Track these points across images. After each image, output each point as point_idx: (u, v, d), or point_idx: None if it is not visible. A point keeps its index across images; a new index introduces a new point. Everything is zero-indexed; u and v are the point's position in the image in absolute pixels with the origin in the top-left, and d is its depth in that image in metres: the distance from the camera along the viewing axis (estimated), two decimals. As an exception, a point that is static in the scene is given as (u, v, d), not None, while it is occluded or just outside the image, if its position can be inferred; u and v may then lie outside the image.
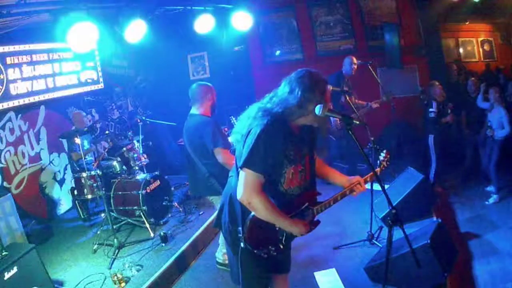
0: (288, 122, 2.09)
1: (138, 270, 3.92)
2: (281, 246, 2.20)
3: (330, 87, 2.11)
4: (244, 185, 2.04)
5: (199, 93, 3.49)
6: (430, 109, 5.41)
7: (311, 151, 2.27)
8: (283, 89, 2.12)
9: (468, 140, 5.76)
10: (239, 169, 2.08)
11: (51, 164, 5.88)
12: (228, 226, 2.24)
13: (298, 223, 2.13)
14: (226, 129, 4.86)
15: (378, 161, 2.49)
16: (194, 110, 3.52)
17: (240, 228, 2.14)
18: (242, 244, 2.15)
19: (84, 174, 4.97)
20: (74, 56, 6.04)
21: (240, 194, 2.06)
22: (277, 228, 2.16)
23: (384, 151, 2.50)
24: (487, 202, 4.90)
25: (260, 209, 2.03)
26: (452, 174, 5.81)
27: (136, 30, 4.58)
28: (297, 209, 2.21)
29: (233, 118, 4.78)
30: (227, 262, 3.60)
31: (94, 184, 4.84)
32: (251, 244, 2.13)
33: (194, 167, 3.58)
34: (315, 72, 2.10)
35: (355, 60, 5.66)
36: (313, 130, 2.26)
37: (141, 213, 4.75)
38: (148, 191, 4.83)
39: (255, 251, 2.15)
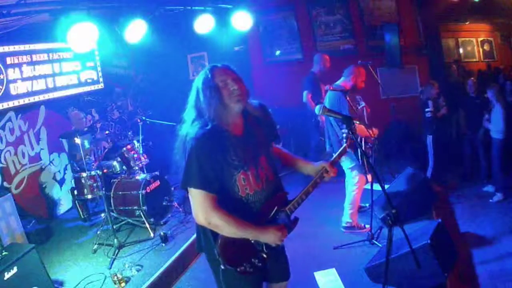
0: (222, 126, 1.92)
1: (138, 270, 3.92)
2: (265, 256, 2.02)
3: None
4: (196, 206, 1.89)
5: (347, 70, 4.25)
6: (427, 109, 5.45)
7: (265, 149, 2.09)
8: (192, 94, 2.00)
9: (467, 140, 5.76)
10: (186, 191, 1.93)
11: (51, 164, 5.87)
12: (206, 250, 2.07)
13: (268, 229, 1.94)
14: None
15: (344, 135, 2.29)
16: (338, 82, 4.24)
17: (215, 250, 1.94)
18: (222, 266, 1.95)
19: (84, 174, 4.97)
20: (74, 56, 6.04)
21: (196, 216, 1.90)
22: (252, 241, 1.98)
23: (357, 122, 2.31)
24: (491, 200, 4.92)
25: (222, 225, 1.86)
26: (451, 174, 5.81)
27: (136, 30, 4.59)
28: (267, 217, 2.04)
29: None
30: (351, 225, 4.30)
31: (94, 184, 4.84)
32: (231, 264, 1.95)
33: (333, 130, 4.17)
34: (210, 66, 2.00)
35: (327, 56, 5.81)
36: (262, 127, 2.09)
37: (141, 213, 4.75)
38: (148, 191, 4.83)
39: (238, 270, 1.95)
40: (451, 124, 6.17)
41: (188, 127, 1.96)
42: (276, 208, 2.06)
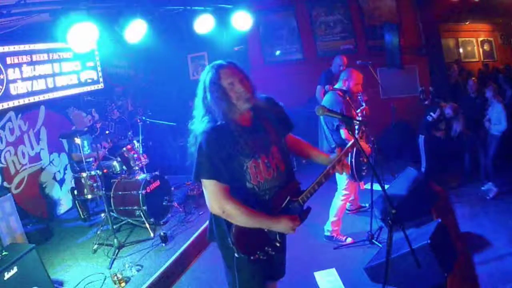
0: (230, 121, 1.98)
1: (138, 270, 3.92)
2: (278, 244, 2.09)
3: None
4: (209, 196, 1.97)
5: (342, 74, 4.19)
6: (431, 113, 5.46)
7: (277, 140, 2.12)
8: (199, 92, 2.05)
9: (467, 140, 5.77)
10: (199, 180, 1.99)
11: (51, 164, 5.87)
12: (219, 239, 2.13)
13: (282, 219, 1.99)
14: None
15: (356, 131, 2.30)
16: (336, 86, 4.22)
17: (229, 239, 2.01)
18: (236, 254, 2.02)
19: (84, 174, 4.97)
20: (74, 56, 6.04)
21: (210, 207, 1.98)
22: (266, 230, 2.04)
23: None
24: (487, 197, 4.94)
25: (235, 214, 1.93)
26: (451, 174, 5.81)
27: (136, 30, 4.58)
28: (279, 207, 2.07)
29: None
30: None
31: (94, 184, 4.84)
32: (245, 252, 2.02)
33: (323, 136, 4.18)
34: (216, 65, 2.02)
35: (345, 60, 5.81)
36: (271, 119, 2.12)
37: (141, 213, 4.75)
38: (148, 191, 4.82)
39: (252, 258, 2.02)
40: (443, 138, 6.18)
41: (199, 122, 2.03)
42: (288, 198, 2.09)
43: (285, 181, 2.11)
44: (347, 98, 4.04)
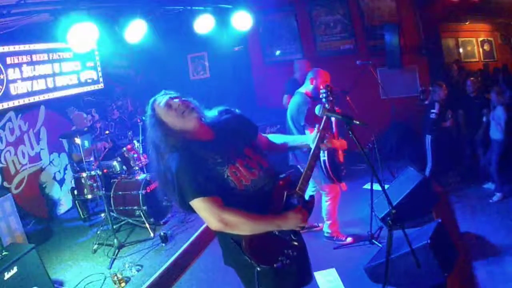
0: (188, 139, 1.94)
1: (138, 270, 3.93)
2: (295, 243, 2.00)
3: None
4: (204, 214, 1.85)
5: (308, 74, 4.04)
6: (432, 110, 5.44)
7: (247, 142, 2.08)
8: (147, 137, 2.04)
9: (467, 140, 5.76)
10: (189, 206, 1.89)
11: (51, 164, 5.88)
12: (233, 259, 2.04)
13: (287, 215, 1.91)
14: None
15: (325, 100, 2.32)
16: (301, 89, 4.06)
17: (245, 255, 1.89)
18: (258, 268, 1.89)
19: (84, 174, 4.97)
20: (74, 56, 6.04)
21: (211, 224, 1.85)
22: (277, 233, 1.95)
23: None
24: (491, 201, 4.91)
25: (238, 222, 1.82)
26: (451, 174, 5.81)
27: (136, 30, 4.58)
28: (280, 206, 1.99)
29: None
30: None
31: (94, 184, 4.85)
32: (266, 262, 1.90)
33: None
34: (150, 102, 2.03)
35: (307, 64, 5.58)
36: (233, 126, 2.08)
37: (141, 213, 4.75)
38: (148, 191, 4.83)
39: (275, 265, 1.91)
40: (452, 128, 6.17)
41: (160, 162, 1.97)
42: (286, 193, 2.01)
43: (273, 176, 2.04)
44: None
